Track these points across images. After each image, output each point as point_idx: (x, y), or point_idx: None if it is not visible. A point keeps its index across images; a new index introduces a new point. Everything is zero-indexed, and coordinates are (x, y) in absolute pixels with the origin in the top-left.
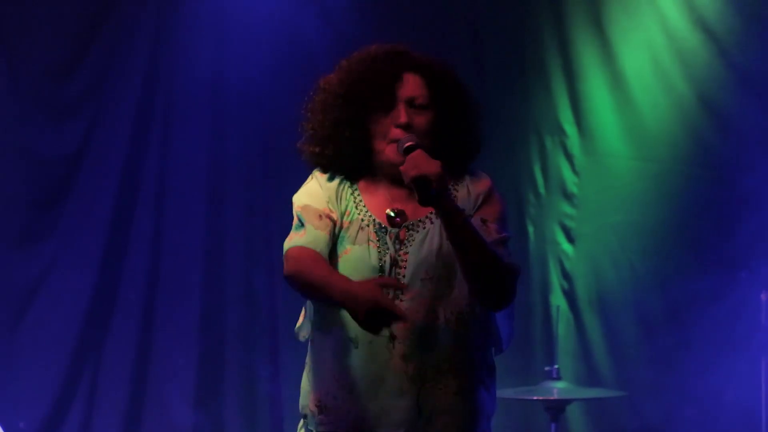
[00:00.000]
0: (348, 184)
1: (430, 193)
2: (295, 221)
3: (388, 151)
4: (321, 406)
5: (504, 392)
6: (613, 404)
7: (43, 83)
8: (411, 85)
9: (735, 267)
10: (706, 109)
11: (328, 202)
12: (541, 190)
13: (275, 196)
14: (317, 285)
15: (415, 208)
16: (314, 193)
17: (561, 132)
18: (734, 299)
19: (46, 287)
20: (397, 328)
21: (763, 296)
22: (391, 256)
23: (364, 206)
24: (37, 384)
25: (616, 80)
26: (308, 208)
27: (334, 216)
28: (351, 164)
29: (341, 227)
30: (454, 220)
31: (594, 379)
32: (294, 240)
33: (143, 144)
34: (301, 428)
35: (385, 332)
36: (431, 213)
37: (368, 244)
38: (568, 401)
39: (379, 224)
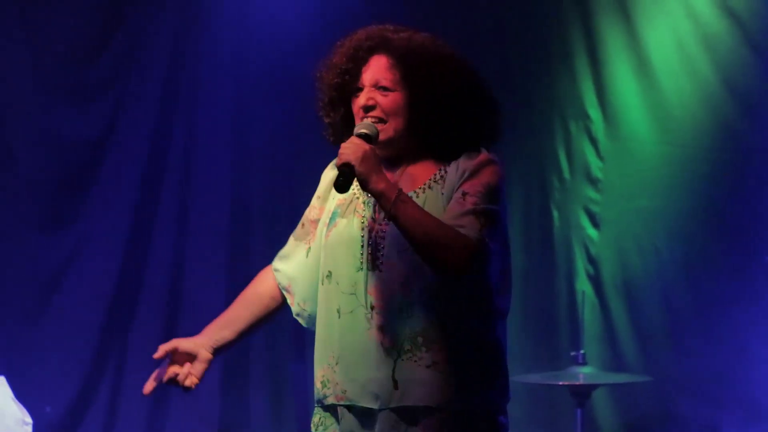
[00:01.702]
0: None
1: (349, 176)
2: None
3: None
4: (322, 381)
5: (530, 377)
6: (638, 389)
7: (68, 68)
8: (375, 68)
9: (761, 252)
10: (731, 94)
11: (318, 197)
12: (566, 174)
13: (301, 178)
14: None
15: (411, 182)
16: (319, 184)
17: (586, 117)
18: (760, 284)
19: (72, 271)
20: (375, 299)
21: None
22: (370, 227)
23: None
24: (63, 368)
25: (641, 65)
26: (306, 212)
27: (315, 214)
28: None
29: (337, 204)
30: (384, 204)
31: (620, 365)
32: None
33: (168, 128)
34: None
35: (366, 302)
36: (423, 185)
37: (354, 215)
38: (594, 386)
39: (367, 195)
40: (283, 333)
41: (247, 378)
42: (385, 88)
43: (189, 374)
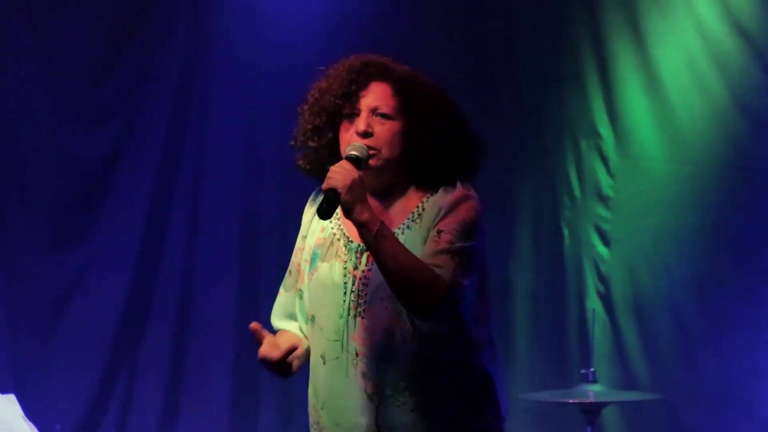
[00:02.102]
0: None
1: (334, 202)
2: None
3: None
4: (311, 422)
5: (540, 395)
6: (649, 407)
7: (79, 84)
8: (375, 94)
9: None
10: (742, 112)
11: (303, 237)
12: (577, 193)
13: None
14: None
15: (390, 221)
16: (302, 223)
17: (596, 135)
18: None
19: (82, 289)
20: (359, 345)
21: None
22: (354, 272)
23: (339, 219)
24: (73, 386)
25: (652, 83)
26: (292, 258)
27: (301, 257)
28: (322, 174)
29: (315, 245)
30: (365, 235)
31: (630, 382)
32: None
33: (179, 145)
34: None
35: (349, 348)
36: (401, 227)
37: (336, 260)
38: (604, 404)
39: (348, 238)
40: None
41: (257, 395)
42: (384, 115)
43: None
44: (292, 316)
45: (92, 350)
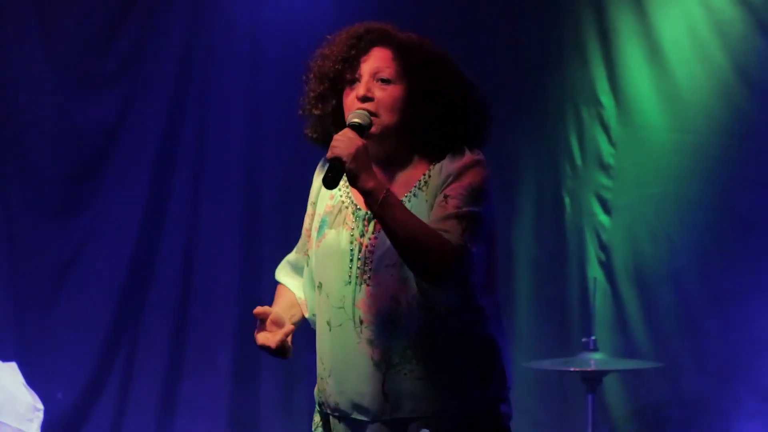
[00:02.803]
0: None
1: (338, 171)
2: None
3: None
4: (317, 390)
5: (541, 363)
6: (650, 375)
7: (80, 55)
8: (376, 59)
9: None
10: (743, 81)
11: (312, 203)
12: (578, 161)
13: (314, 167)
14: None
15: (397, 190)
16: (311, 189)
17: (597, 103)
18: None
19: (84, 258)
20: (364, 313)
21: None
22: (360, 239)
23: (347, 186)
24: (74, 355)
25: (653, 51)
26: (305, 222)
27: (310, 222)
28: (328, 142)
29: (324, 212)
30: (371, 203)
31: (631, 351)
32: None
33: (181, 116)
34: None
35: (354, 316)
36: (407, 195)
37: (343, 227)
38: (605, 372)
39: (356, 205)
40: (295, 333)
41: (259, 364)
42: (384, 80)
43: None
44: (297, 272)
45: (94, 319)
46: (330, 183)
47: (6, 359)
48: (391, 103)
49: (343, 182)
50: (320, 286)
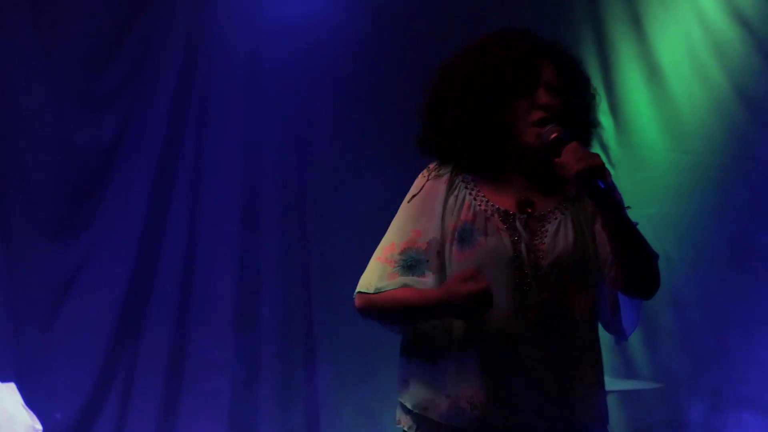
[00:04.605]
0: (462, 177)
1: (597, 185)
2: (391, 253)
3: (528, 135)
4: (474, 402)
5: None
6: (649, 396)
7: (80, 74)
8: (548, 69)
9: None
10: (742, 101)
11: (438, 217)
12: None
13: (311, 189)
14: (405, 308)
15: (541, 200)
16: (422, 209)
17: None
18: None
19: (82, 278)
20: (537, 319)
21: None
22: (526, 245)
23: (484, 197)
24: (73, 375)
25: (653, 72)
26: (403, 244)
27: (432, 235)
28: (486, 153)
29: (464, 221)
30: (617, 213)
31: (630, 371)
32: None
33: (179, 135)
34: (410, 428)
35: (525, 322)
36: (560, 205)
37: (500, 234)
38: None
39: (505, 212)
40: (295, 341)
41: (257, 382)
42: (556, 90)
43: None
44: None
45: (92, 339)
46: (595, 194)
47: (5, 380)
48: (560, 113)
49: (469, 192)
50: None
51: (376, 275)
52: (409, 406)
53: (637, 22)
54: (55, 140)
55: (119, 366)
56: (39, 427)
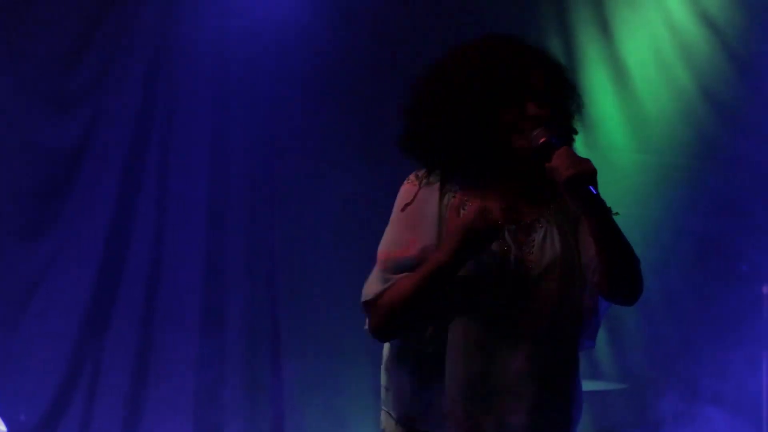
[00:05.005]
0: (450, 185)
1: (587, 190)
2: (399, 262)
3: (519, 143)
4: (449, 410)
5: None
6: (614, 397)
7: (46, 76)
8: (537, 76)
9: (737, 260)
10: (708, 102)
11: (427, 224)
12: None
13: (277, 189)
14: (416, 284)
15: (527, 207)
16: (420, 217)
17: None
18: (736, 292)
19: (47, 280)
20: (526, 327)
21: (765, 289)
22: (515, 255)
23: (468, 203)
24: (38, 377)
25: (619, 73)
26: (402, 252)
27: (429, 242)
28: (475, 161)
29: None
30: (605, 218)
31: (595, 372)
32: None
33: (146, 136)
34: None
35: (515, 332)
36: (545, 212)
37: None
38: None
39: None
40: (260, 342)
41: (222, 383)
42: (545, 98)
43: None
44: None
45: (57, 341)
46: (584, 201)
47: None
48: (548, 121)
49: (459, 200)
50: (467, 305)
51: (380, 284)
52: (394, 415)
53: (604, 25)
54: (21, 142)
55: (85, 366)
56: (3, 428)
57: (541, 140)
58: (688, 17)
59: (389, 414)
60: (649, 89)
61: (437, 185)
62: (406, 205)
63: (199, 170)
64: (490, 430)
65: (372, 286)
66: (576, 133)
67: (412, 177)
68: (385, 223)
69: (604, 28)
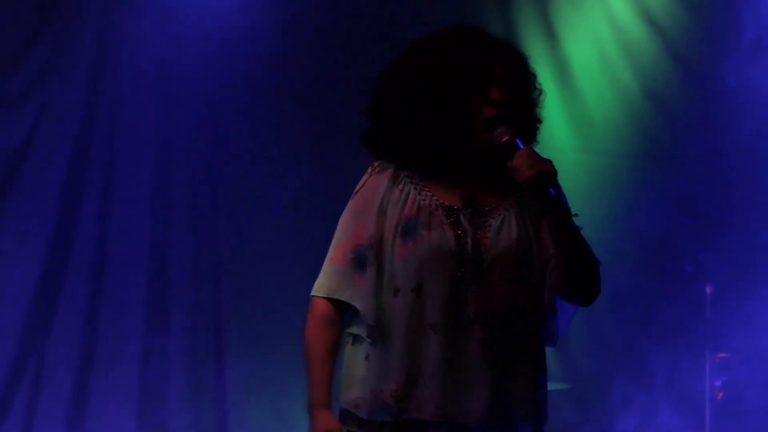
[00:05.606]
0: (407, 172)
1: (546, 191)
2: (344, 253)
3: (479, 135)
4: (396, 396)
5: None
6: (558, 397)
7: None
8: (499, 66)
9: (680, 260)
10: (651, 102)
11: (380, 210)
12: None
13: (223, 189)
14: (308, 365)
15: (488, 197)
16: (364, 204)
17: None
18: (679, 292)
19: None
20: (479, 313)
21: (708, 289)
22: (471, 239)
23: (429, 192)
24: None
25: (562, 72)
26: (352, 241)
27: (375, 229)
28: (436, 152)
29: (408, 215)
30: (564, 218)
31: None
32: (337, 287)
33: (90, 136)
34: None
35: (466, 316)
36: (505, 202)
37: (444, 228)
38: None
39: (449, 207)
40: (204, 342)
41: (167, 383)
42: (507, 88)
43: None
44: (346, 281)
45: (2, 336)
46: (544, 200)
47: None
48: (509, 111)
49: (414, 187)
50: (418, 288)
51: (336, 279)
52: (342, 404)
53: (547, 23)
54: None
55: (29, 362)
56: None
57: (504, 139)
58: (630, 17)
59: (347, 410)
60: (593, 89)
61: (389, 172)
62: (355, 193)
63: (144, 170)
64: (430, 411)
65: (329, 283)
66: (540, 122)
67: (370, 167)
68: (331, 224)
69: (547, 27)
